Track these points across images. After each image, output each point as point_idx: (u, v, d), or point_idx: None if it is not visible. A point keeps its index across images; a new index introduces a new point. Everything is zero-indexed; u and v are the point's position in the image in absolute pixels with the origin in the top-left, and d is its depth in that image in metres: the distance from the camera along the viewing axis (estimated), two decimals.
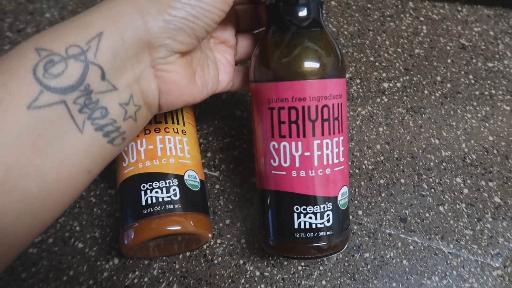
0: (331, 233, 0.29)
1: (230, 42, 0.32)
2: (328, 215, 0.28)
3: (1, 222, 0.20)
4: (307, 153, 0.28)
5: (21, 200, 0.20)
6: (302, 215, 0.28)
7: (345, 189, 0.30)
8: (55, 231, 0.37)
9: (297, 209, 0.28)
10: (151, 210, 0.30)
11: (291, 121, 0.28)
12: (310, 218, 0.28)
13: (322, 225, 0.28)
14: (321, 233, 0.28)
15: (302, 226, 0.28)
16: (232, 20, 0.32)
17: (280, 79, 0.28)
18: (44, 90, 0.20)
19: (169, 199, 0.30)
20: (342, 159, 0.29)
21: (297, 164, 0.28)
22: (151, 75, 0.24)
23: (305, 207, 0.28)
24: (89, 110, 0.22)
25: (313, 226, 0.28)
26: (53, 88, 0.20)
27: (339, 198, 0.29)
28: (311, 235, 0.28)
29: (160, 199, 0.30)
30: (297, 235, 0.28)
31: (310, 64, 0.27)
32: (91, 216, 0.38)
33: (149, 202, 0.30)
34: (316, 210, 0.28)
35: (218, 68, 0.31)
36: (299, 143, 0.28)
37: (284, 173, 0.28)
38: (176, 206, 0.30)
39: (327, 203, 0.28)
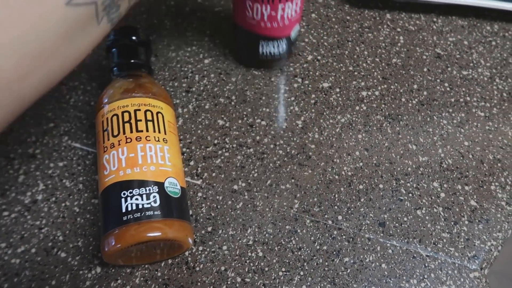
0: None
1: None
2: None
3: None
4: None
5: (45, 77, 0.25)
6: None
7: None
8: (38, 241, 0.38)
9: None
10: (131, 217, 0.30)
11: None
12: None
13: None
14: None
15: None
16: None
17: None
18: None
19: (149, 205, 0.31)
20: None
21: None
22: None
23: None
24: (109, 9, 0.26)
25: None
26: None
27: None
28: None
29: (140, 206, 0.31)
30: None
31: None
32: (74, 226, 0.38)
33: (129, 209, 0.31)
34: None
35: None
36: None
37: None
38: (156, 212, 0.31)
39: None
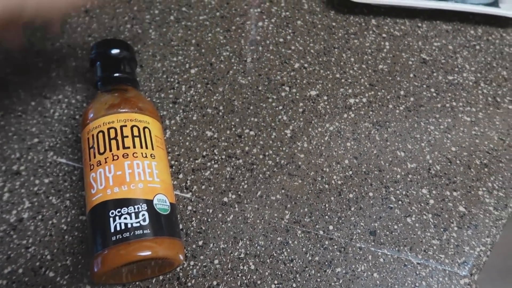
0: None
1: None
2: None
3: None
4: None
5: None
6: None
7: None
8: (25, 261, 0.37)
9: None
10: (120, 237, 0.30)
11: None
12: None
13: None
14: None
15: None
16: None
17: None
18: None
19: (138, 224, 0.30)
20: None
21: None
22: None
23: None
24: None
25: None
26: None
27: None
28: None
29: (129, 225, 0.30)
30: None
31: None
32: (62, 244, 0.38)
33: (118, 228, 0.30)
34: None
35: None
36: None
37: None
38: (145, 231, 0.31)
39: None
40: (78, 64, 0.50)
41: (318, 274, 0.36)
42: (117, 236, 0.30)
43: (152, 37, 0.52)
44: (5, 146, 0.43)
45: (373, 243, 0.37)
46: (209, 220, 0.39)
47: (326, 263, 0.36)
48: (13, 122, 0.45)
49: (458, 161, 0.41)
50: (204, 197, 0.40)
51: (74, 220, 0.39)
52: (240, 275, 0.36)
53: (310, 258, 0.36)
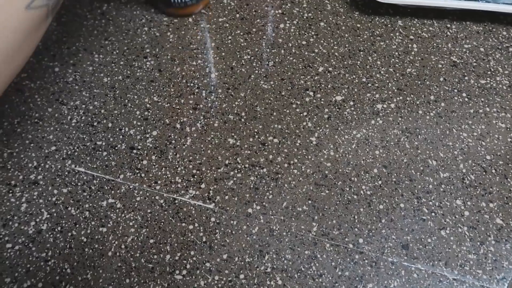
0: None
1: None
2: None
3: None
4: None
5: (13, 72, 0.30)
6: None
7: None
8: (45, 274, 0.36)
9: None
10: None
11: None
12: None
13: None
14: None
15: None
16: None
17: None
18: None
19: None
20: None
21: None
22: None
23: None
24: (55, 6, 0.31)
25: None
26: None
27: None
28: None
29: None
30: None
31: None
32: (82, 257, 0.36)
33: None
34: None
35: None
36: None
37: None
38: None
39: None
40: (95, 68, 0.49)
41: None
42: None
43: (171, 40, 0.51)
44: (22, 154, 0.42)
45: (405, 258, 0.35)
46: (233, 232, 0.37)
47: (357, 279, 0.35)
48: (30, 129, 0.44)
49: (493, 171, 0.39)
50: (228, 208, 0.38)
51: (94, 232, 0.38)
52: None
53: (340, 273, 0.35)
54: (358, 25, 0.50)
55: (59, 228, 0.38)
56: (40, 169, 0.41)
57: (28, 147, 0.43)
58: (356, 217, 0.37)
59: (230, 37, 0.51)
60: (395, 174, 0.39)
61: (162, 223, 0.38)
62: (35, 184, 0.40)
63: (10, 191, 0.40)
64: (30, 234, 0.38)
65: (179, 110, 0.45)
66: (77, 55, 0.50)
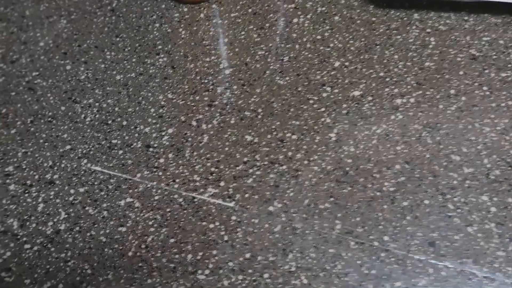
0: None
1: None
2: None
3: None
4: None
5: None
6: None
7: None
8: (65, 275, 0.35)
9: None
10: None
11: None
12: None
13: None
14: None
15: None
16: None
17: None
18: None
19: None
20: None
21: None
22: None
23: None
24: None
25: None
26: None
27: None
28: None
29: None
30: None
31: None
32: (102, 257, 0.36)
33: None
34: None
35: None
36: None
37: None
38: None
39: None
40: (107, 66, 0.48)
41: None
42: None
43: (183, 36, 0.50)
44: (37, 153, 0.42)
45: (433, 255, 0.35)
46: (255, 231, 0.36)
47: (384, 277, 0.34)
48: (44, 128, 0.43)
49: None
50: (248, 206, 0.38)
51: (113, 231, 0.37)
52: None
53: (366, 272, 0.34)
54: (373, 19, 0.50)
55: (77, 228, 0.37)
56: (55, 168, 0.41)
57: (42, 146, 0.42)
58: (380, 214, 0.37)
59: (243, 33, 0.50)
60: (418, 170, 0.39)
61: (182, 222, 0.37)
62: (51, 184, 0.40)
63: (26, 191, 0.39)
64: (49, 235, 0.37)
65: (194, 107, 0.44)
66: (88, 52, 0.49)
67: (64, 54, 0.49)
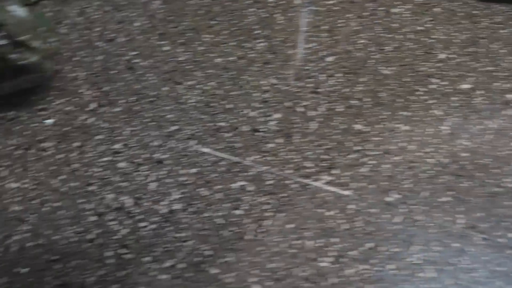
0: None
1: None
2: None
3: None
4: None
5: None
6: None
7: None
8: (184, 255, 0.35)
9: None
10: None
11: None
12: None
13: None
14: None
15: None
16: None
17: None
18: None
19: None
20: None
21: None
22: None
23: None
24: None
25: None
26: None
27: None
28: None
29: None
30: None
31: None
32: (220, 239, 0.35)
33: None
34: None
35: None
36: None
37: None
38: None
39: None
40: (206, 48, 0.47)
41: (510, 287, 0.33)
42: None
43: (279, 22, 0.49)
44: (144, 132, 0.42)
45: None
46: (375, 221, 0.36)
47: None
48: (148, 107, 0.43)
49: None
50: (365, 196, 0.37)
51: (229, 214, 0.37)
52: (419, 282, 0.33)
53: (493, 268, 0.33)
54: (475, 12, 0.49)
55: (191, 209, 0.37)
56: (164, 148, 0.41)
57: (147, 125, 0.42)
58: (503, 210, 0.36)
59: (341, 21, 0.49)
60: None
61: (298, 208, 0.37)
62: (160, 164, 0.40)
63: (136, 170, 0.39)
64: (163, 214, 0.37)
65: (298, 94, 0.44)
66: (185, 34, 0.49)
67: (160, 35, 0.49)
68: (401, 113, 0.42)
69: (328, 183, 0.38)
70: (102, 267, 0.34)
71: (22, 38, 0.33)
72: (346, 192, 0.37)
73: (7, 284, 0.33)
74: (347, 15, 0.49)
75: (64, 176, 0.39)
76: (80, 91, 0.44)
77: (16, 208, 0.37)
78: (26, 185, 0.39)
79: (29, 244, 0.35)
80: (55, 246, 0.35)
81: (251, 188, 0.38)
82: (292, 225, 0.36)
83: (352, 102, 0.43)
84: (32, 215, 0.37)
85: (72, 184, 0.38)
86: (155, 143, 0.41)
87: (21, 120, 0.43)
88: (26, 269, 0.34)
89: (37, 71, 0.35)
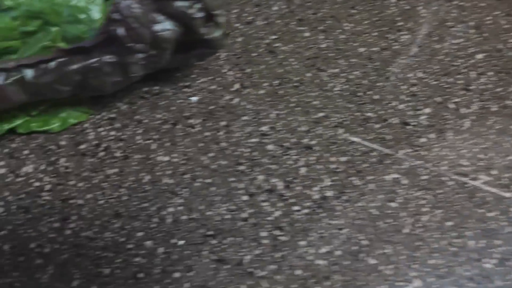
0: None
1: None
2: None
3: None
4: None
5: None
6: None
7: None
8: (340, 243, 0.35)
9: None
10: None
11: None
12: None
13: None
14: None
15: None
16: None
17: None
18: None
19: None
20: None
21: None
22: None
23: None
24: None
25: None
26: None
27: None
28: None
29: None
30: None
31: None
32: (376, 230, 0.35)
33: None
34: None
35: None
36: None
37: None
38: None
39: None
40: (348, 37, 0.47)
41: None
42: None
43: (423, 14, 0.48)
44: (290, 117, 0.42)
45: None
46: None
47: None
48: (292, 92, 0.43)
49: None
50: None
51: (383, 206, 0.36)
52: None
53: None
54: None
55: (345, 198, 0.37)
56: (311, 134, 0.41)
57: (293, 110, 0.42)
58: None
59: (489, 17, 0.47)
60: None
61: (456, 206, 0.36)
62: (309, 149, 0.40)
63: (286, 153, 0.40)
64: (316, 200, 0.37)
65: (448, 89, 0.42)
66: (325, 21, 0.48)
67: (299, 20, 0.49)
68: None
69: (487, 183, 0.37)
70: (258, 246, 0.35)
71: (215, 12, 0.33)
72: (508, 194, 0.36)
73: (164, 253, 0.35)
74: (496, 12, 0.47)
75: (213, 154, 0.40)
76: (223, 71, 0.45)
77: (168, 181, 0.38)
78: (176, 159, 0.40)
79: (183, 217, 0.36)
80: (209, 221, 0.36)
81: (405, 181, 0.37)
82: (451, 223, 0.35)
83: (508, 102, 0.41)
84: (184, 189, 0.38)
85: (222, 162, 0.39)
86: (303, 128, 0.41)
87: (166, 95, 0.44)
88: (183, 241, 0.35)
89: (215, 47, 0.36)
